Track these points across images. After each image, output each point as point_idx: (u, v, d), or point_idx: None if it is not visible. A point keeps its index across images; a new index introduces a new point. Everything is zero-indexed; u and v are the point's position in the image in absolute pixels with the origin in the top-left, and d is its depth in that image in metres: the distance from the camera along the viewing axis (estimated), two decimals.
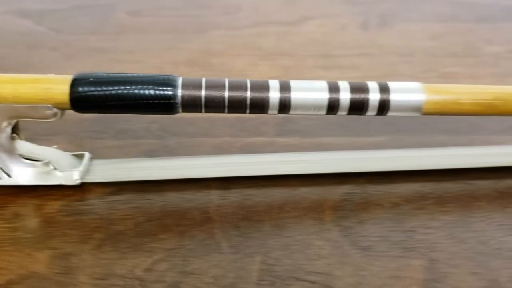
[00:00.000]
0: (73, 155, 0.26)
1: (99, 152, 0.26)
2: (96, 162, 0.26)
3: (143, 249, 0.21)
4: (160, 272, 0.20)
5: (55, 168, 0.24)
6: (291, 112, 0.24)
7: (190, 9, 0.41)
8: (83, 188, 0.24)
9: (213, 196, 0.24)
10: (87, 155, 0.25)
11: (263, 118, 0.29)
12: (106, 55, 0.35)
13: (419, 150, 0.26)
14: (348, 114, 0.24)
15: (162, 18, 0.40)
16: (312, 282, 0.20)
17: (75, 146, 0.27)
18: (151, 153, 0.27)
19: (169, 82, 0.23)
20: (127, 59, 0.35)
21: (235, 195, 0.24)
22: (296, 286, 0.20)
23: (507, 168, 0.25)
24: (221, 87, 0.23)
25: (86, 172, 0.25)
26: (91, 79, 0.23)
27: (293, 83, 0.24)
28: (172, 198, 0.24)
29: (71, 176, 0.24)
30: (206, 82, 0.23)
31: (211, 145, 0.27)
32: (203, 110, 0.23)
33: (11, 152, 0.24)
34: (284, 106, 0.23)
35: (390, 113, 0.24)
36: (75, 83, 0.23)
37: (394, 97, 0.24)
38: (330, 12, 0.41)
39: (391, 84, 0.24)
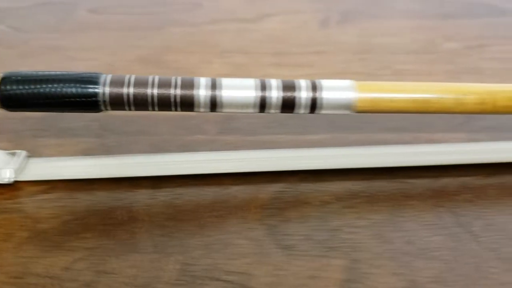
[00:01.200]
0: (9, 153, 0.25)
1: (39, 151, 0.26)
2: (32, 160, 0.25)
3: (64, 248, 0.21)
4: (77, 271, 0.20)
5: None
6: (220, 110, 0.23)
7: (152, 7, 0.41)
8: (15, 186, 0.24)
9: (142, 195, 0.24)
10: (22, 153, 0.25)
11: (206, 116, 0.28)
12: (62, 53, 0.35)
13: (354, 148, 0.25)
14: (281, 112, 0.24)
15: (123, 16, 0.40)
16: (229, 282, 0.20)
17: (15, 144, 0.27)
18: (89, 152, 0.26)
19: (92, 80, 0.22)
20: (82, 56, 0.35)
21: (164, 194, 0.24)
22: (212, 286, 0.20)
23: (445, 167, 0.25)
24: (148, 84, 0.23)
25: (20, 170, 0.25)
26: (18, 78, 0.23)
27: (223, 81, 0.23)
28: (100, 197, 0.24)
29: (3, 174, 0.24)
30: (133, 79, 0.23)
31: (149, 143, 0.27)
32: (131, 108, 0.23)
33: None
34: (213, 104, 0.23)
35: (322, 111, 0.24)
36: (3, 81, 0.23)
37: (324, 95, 0.23)
38: (292, 9, 0.41)
39: (323, 82, 0.24)
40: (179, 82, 0.23)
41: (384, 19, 0.39)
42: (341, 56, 0.34)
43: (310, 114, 0.28)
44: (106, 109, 0.23)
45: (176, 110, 0.24)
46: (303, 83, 0.23)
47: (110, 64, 0.34)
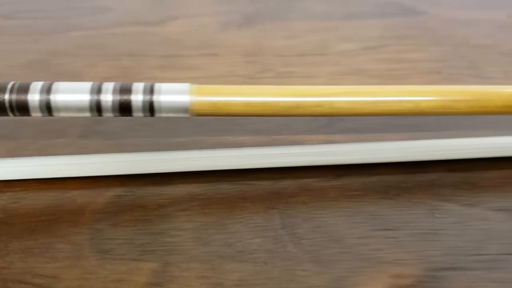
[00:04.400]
0: None
1: None
2: None
3: None
4: None
5: None
6: (58, 114, 0.24)
7: (60, 11, 0.41)
8: None
9: None
10: None
11: (73, 120, 0.29)
12: None
13: (200, 152, 0.25)
14: (120, 115, 0.24)
15: (30, 21, 0.40)
16: (37, 285, 0.20)
17: None
18: None
19: None
20: None
21: (5, 199, 0.24)
22: None
23: (288, 169, 0.25)
24: None
25: None
26: None
27: (60, 85, 0.23)
28: None
29: None
30: None
31: (6, 148, 0.27)
32: None
33: None
34: (48, 108, 0.23)
35: (159, 114, 0.24)
36: None
37: (159, 99, 0.23)
38: (197, 13, 0.41)
39: (159, 86, 0.24)
40: (15, 87, 0.23)
41: (286, 22, 0.39)
42: (229, 59, 0.34)
43: (177, 118, 0.29)
44: None
45: (14, 115, 0.24)
46: (140, 86, 0.24)
47: None
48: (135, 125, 0.28)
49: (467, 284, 0.20)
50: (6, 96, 0.23)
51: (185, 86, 0.24)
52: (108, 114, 0.24)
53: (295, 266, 0.21)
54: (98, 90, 0.23)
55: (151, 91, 0.23)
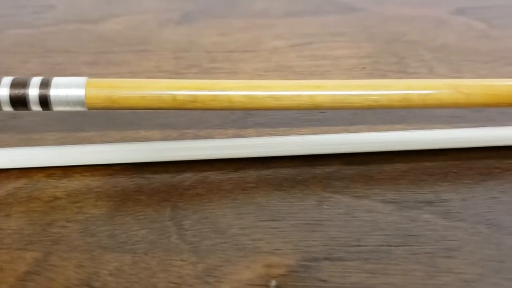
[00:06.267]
0: None
1: None
2: None
3: None
4: None
5: None
6: None
7: (4, 10, 0.42)
8: None
9: None
10: None
11: None
12: None
13: (99, 146, 0.26)
14: (16, 109, 0.24)
15: None
16: None
17: None
18: None
19: None
20: None
21: None
22: None
23: (190, 162, 0.25)
24: None
25: None
26: None
27: None
28: None
29: None
30: None
31: None
32: None
33: None
34: None
35: (56, 108, 0.24)
36: None
37: (54, 92, 0.24)
38: (139, 10, 0.41)
39: (56, 80, 0.24)
40: None
41: (225, 19, 0.40)
42: (158, 55, 0.35)
43: (91, 112, 0.29)
44: None
45: None
46: (36, 80, 0.24)
47: None
48: (49, 120, 0.29)
49: (338, 274, 0.20)
50: None
51: (81, 79, 0.24)
52: (7, 108, 0.24)
53: (173, 256, 0.21)
54: None
55: (47, 85, 0.24)
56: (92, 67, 0.34)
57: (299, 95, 0.25)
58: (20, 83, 0.24)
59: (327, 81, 0.25)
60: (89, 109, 0.24)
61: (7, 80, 0.24)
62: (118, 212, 0.23)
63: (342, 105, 0.25)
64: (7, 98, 0.24)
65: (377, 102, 0.25)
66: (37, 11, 0.41)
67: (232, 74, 0.33)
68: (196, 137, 0.28)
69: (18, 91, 0.24)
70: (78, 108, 0.24)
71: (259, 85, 0.25)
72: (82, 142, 0.27)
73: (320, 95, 0.25)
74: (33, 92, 0.24)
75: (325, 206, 0.23)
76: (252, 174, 0.25)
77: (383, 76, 0.33)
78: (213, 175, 0.25)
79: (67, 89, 0.24)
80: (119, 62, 0.34)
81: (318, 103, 0.25)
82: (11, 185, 0.25)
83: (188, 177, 0.25)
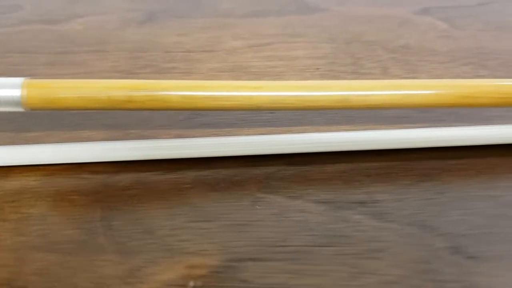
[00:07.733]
0: None
1: None
2: None
3: None
4: None
5: None
6: None
7: None
8: None
9: None
10: None
11: None
12: None
13: (39, 146, 0.26)
14: None
15: None
16: None
17: None
18: None
19: None
20: None
21: None
22: None
23: (125, 162, 0.25)
24: None
25: None
26: None
27: None
28: None
29: None
30: None
31: None
32: None
33: None
34: None
35: None
36: None
37: None
38: (104, 11, 0.41)
39: None
40: None
41: (188, 19, 0.40)
42: (115, 55, 0.35)
43: (35, 112, 0.29)
44: None
45: None
46: None
47: None
48: (3, 120, 0.29)
49: (261, 274, 0.20)
50: None
51: (17, 80, 0.24)
52: None
53: (97, 257, 0.21)
54: None
55: None
56: (50, 68, 0.34)
57: (236, 96, 0.25)
58: None
59: (265, 82, 0.25)
60: (26, 110, 0.24)
61: None
62: (51, 212, 0.23)
63: (280, 106, 0.25)
64: None
65: (315, 103, 0.25)
66: (4, 11, 0.42)
67: (187, 74, 0.33)
68: (140, 137, 0.28)
69: None
70: (16, 109, 0.24)
71: (196, 85, 0.25)
72: (28, 142, 0.27)
73: (258, 96, 0.25)
74: None
75: (257, 207, 0.23)
76: (190, 174, 0.25)
77: (335, 77, 0.33)
78: (150, 176, 0.25)
79: (3, 89, 0.24)
80: (77, 63, 0.34)
81: (256, 104, 0.25)
82: None
83: (125, 177, 0.25)
